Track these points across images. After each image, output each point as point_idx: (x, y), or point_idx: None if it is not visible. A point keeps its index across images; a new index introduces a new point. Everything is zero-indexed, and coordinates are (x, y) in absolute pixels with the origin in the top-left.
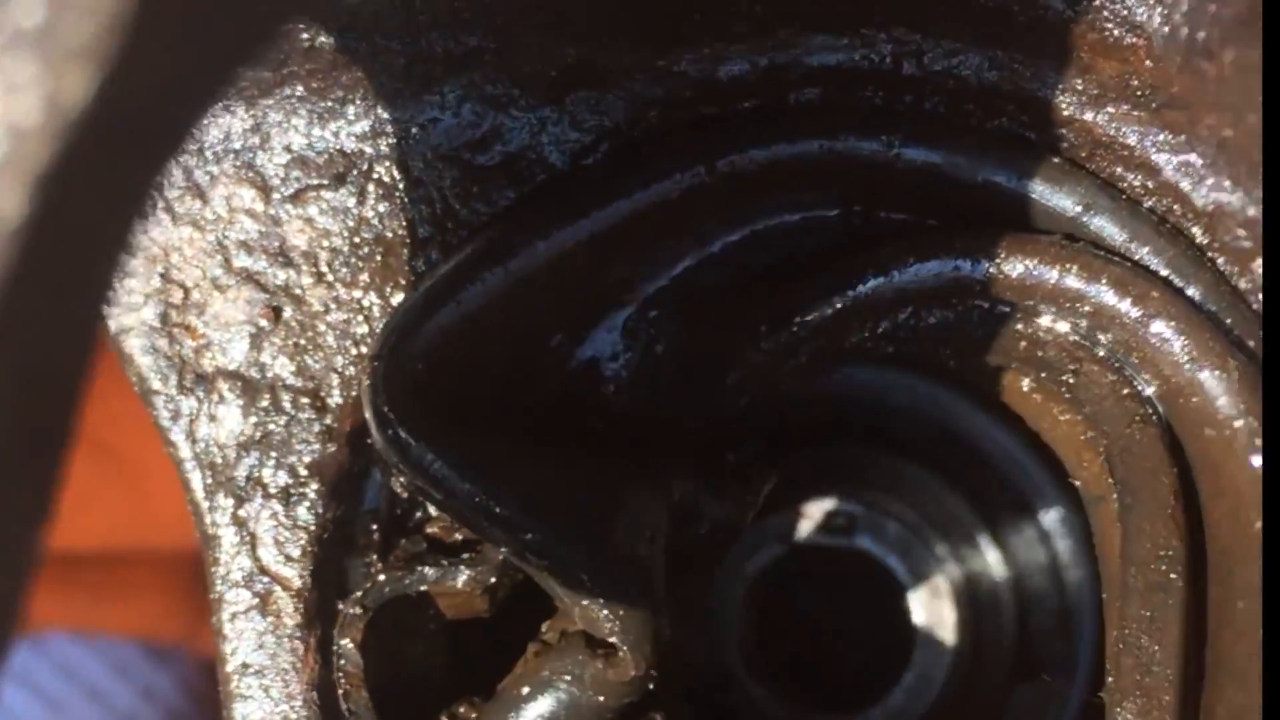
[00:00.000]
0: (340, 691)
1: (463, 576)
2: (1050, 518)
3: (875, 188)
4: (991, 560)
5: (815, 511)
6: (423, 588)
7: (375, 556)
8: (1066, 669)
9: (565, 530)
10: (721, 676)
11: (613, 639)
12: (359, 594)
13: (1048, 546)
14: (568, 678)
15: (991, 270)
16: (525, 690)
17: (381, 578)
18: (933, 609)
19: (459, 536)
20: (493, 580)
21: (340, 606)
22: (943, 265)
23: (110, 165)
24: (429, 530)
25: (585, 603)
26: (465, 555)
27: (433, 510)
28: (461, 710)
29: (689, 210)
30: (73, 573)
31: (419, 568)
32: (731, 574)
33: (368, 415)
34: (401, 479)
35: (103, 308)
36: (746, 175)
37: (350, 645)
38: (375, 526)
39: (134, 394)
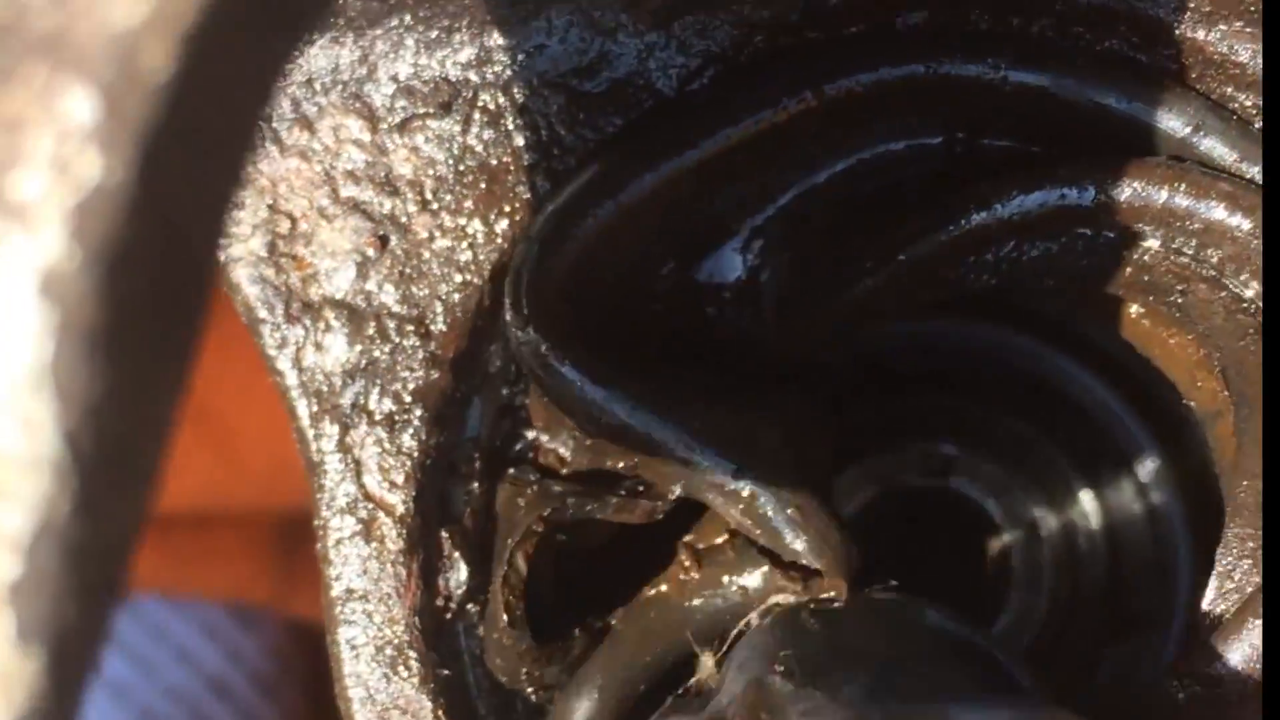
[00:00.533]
0: (503, 600)
1: (640, 508)
2: (1147, 470)
3: (981, 112)
4: (1088, 509)
5: (910, 453)
6: (599, 515)
7: (477, 484)
8: (1161, 624)
9: (753, 460)
10: None
11: (814, 563)
12: (546, 512)
13: (1144, 500)
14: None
15: (1099, 196)
16: (697, 601)
17: (571, 500)
18: (1029, 552)
19: (571, 469)
20: (666, 510)
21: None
22: (1048, 195)
23: (255, 26)
24: (540, 461)
25: (781, 531)
26: (639, 487)
27: (542, 438)
28: (602, 622)
29: (796, 137)
30: (164, 535)
31: (606, 496)
32: None
33: (533, 367)
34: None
35: (239, 174)
36: (853, 100)
37: (522, 560)
38: (477, 454)
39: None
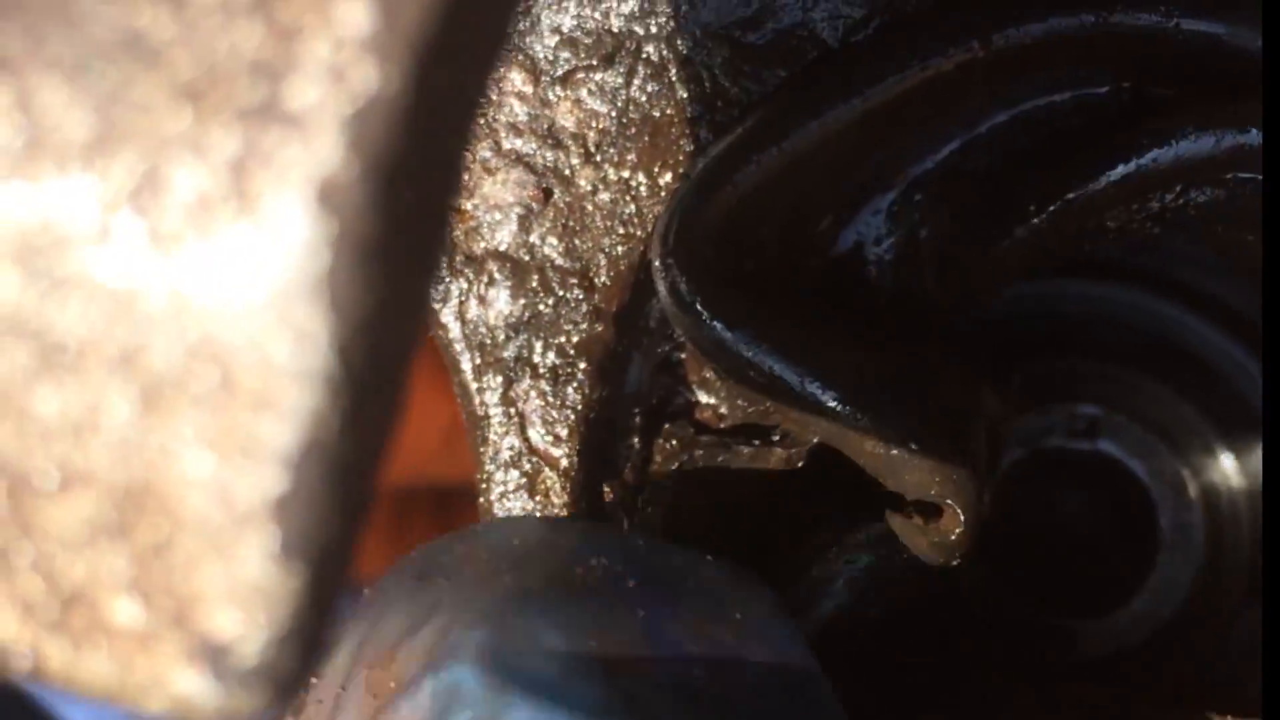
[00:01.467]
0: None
1: (774, 455)
2: None
3: (1150, 62)
4: (1229, 469)
5: (1055, 414)
6: (732, 465)
7: (637, 439)
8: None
9: (884, 405)
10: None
11: (940, 498)
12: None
13: None
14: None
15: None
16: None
17: (700, 450)
18: (1178, 513)
19: (727, 424)
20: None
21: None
22: (1222, 135)
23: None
24: (697, 416)
25: (911, 464)
26: (775, 437)
27: (699, 394)
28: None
29: (960, 87)
30: (441, 509)
31: (739, 445)
32: None
33: (669, 304)
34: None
35: (488, 84)
36: (1020, 50)
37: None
38: (637, 409)
39: None
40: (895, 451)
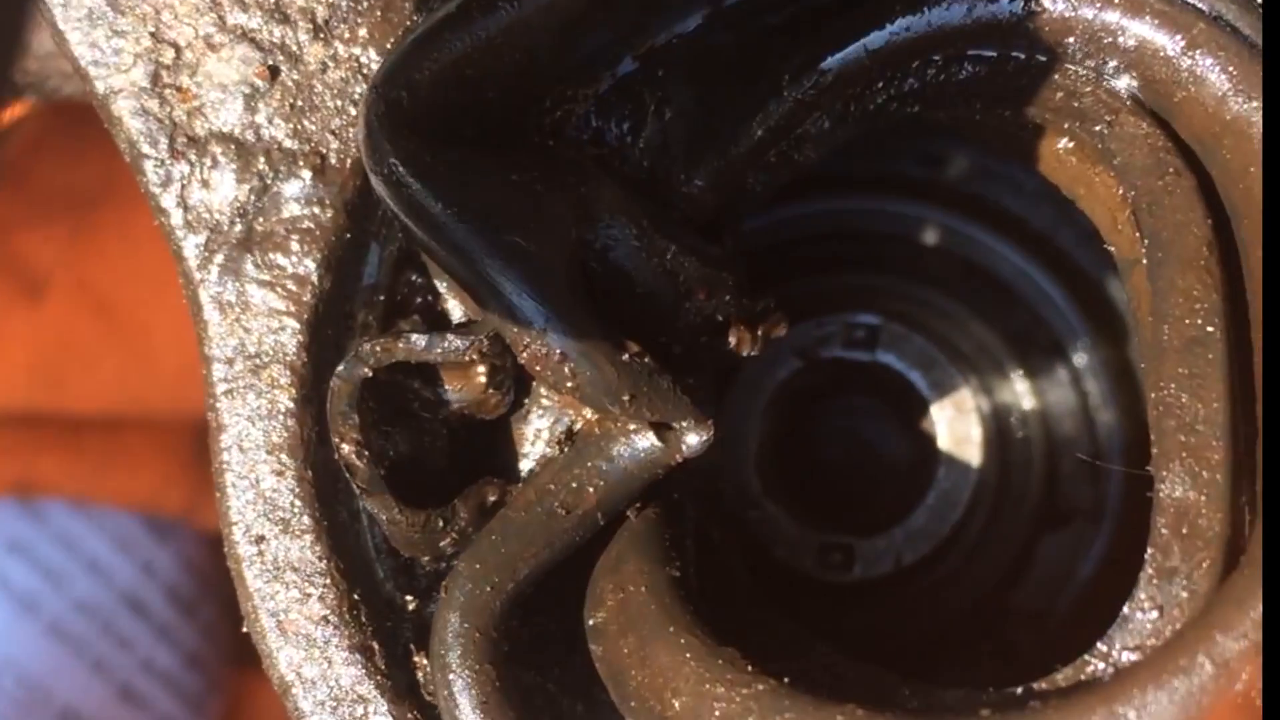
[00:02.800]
0: (345, 463)
1: (455, 343)
2: (1082, 359)
3: None
4: (1020, 391)
5: (835, 325)
6: (415, 358)
7: (374, 335)
8: (1094, 516)
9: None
10: (742, 496)
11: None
12: (346, 358)
13: (1079, 388)
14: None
15: (1030, 7)
16: (570, 457)
17: (367, 345)
18: (957, 426)
19: (462, 316)
20: (488, 350)
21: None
22: (976, 2)
23: None
24: (440, 308)
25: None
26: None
27: (440, 286)
28: (485, 491)
29: None
30: (73, 438)
31: (408, 334)
32: (748, 389)
33: (362, 145)
34: (400, 230)
35: None
36: None
37: (347, 410)
38: (376, 303)
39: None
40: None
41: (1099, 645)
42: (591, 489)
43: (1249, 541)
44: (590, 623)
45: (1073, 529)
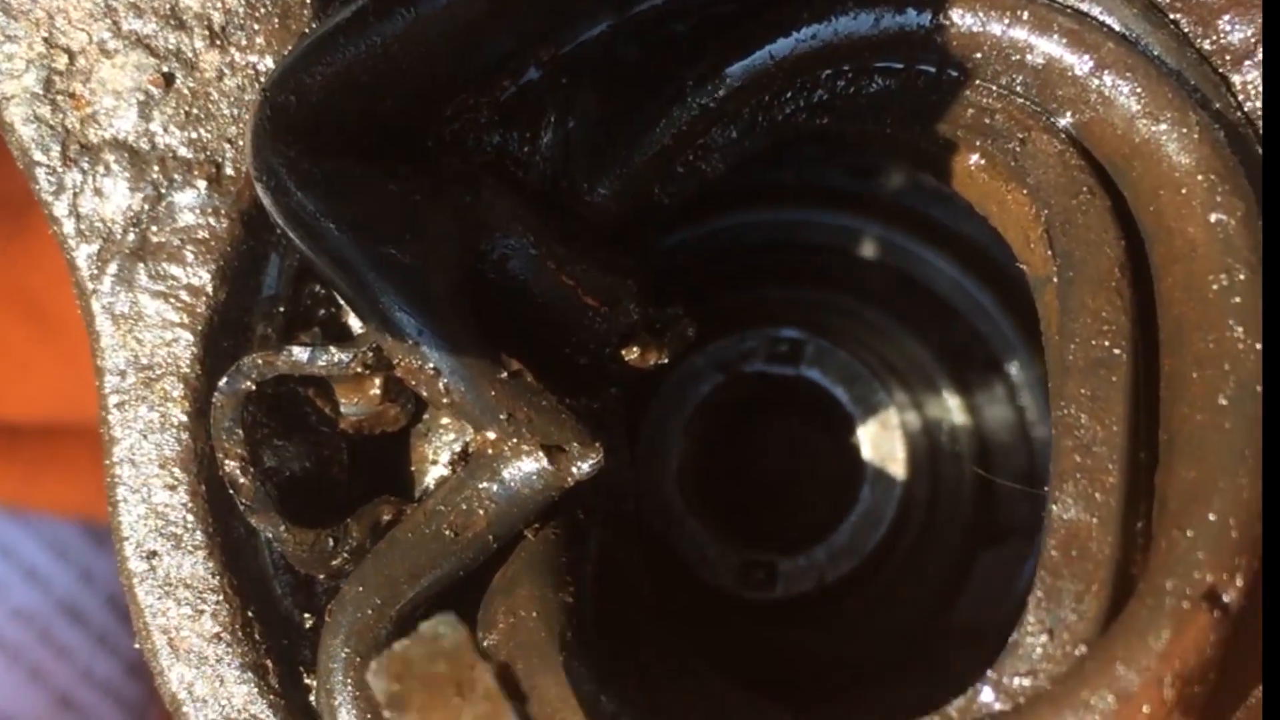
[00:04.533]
0: (229, 480)
1: (337, 356)
2: (1019, 374)
3: None
4: (952, 406)
5: (758, 339)
6: (298, 371)
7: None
8: (1031, 533)
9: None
10: (662, 512)
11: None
12: (229, 372)
13: (1015, 404)
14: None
15: (937, 20)
16: (461, 478)
17: (249, 358)
18: (882, 443)
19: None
20: (372, 362)
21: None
22: (884, 12)
23: None
24: (343, 320)
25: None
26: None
27: (340, 300)
28: (379, 509)
29: None
30: (9, 444)
31: (290, 347)
32: (670, 404)
33: (247, 150)
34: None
35: None
36: None
37: (230, 425)
38: (278, 312)
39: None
40: (471, 399)
41: (990, 673)
42: (482, 511)
43: (1148, 569)
44: (484, 644)
45: (1010, 546)
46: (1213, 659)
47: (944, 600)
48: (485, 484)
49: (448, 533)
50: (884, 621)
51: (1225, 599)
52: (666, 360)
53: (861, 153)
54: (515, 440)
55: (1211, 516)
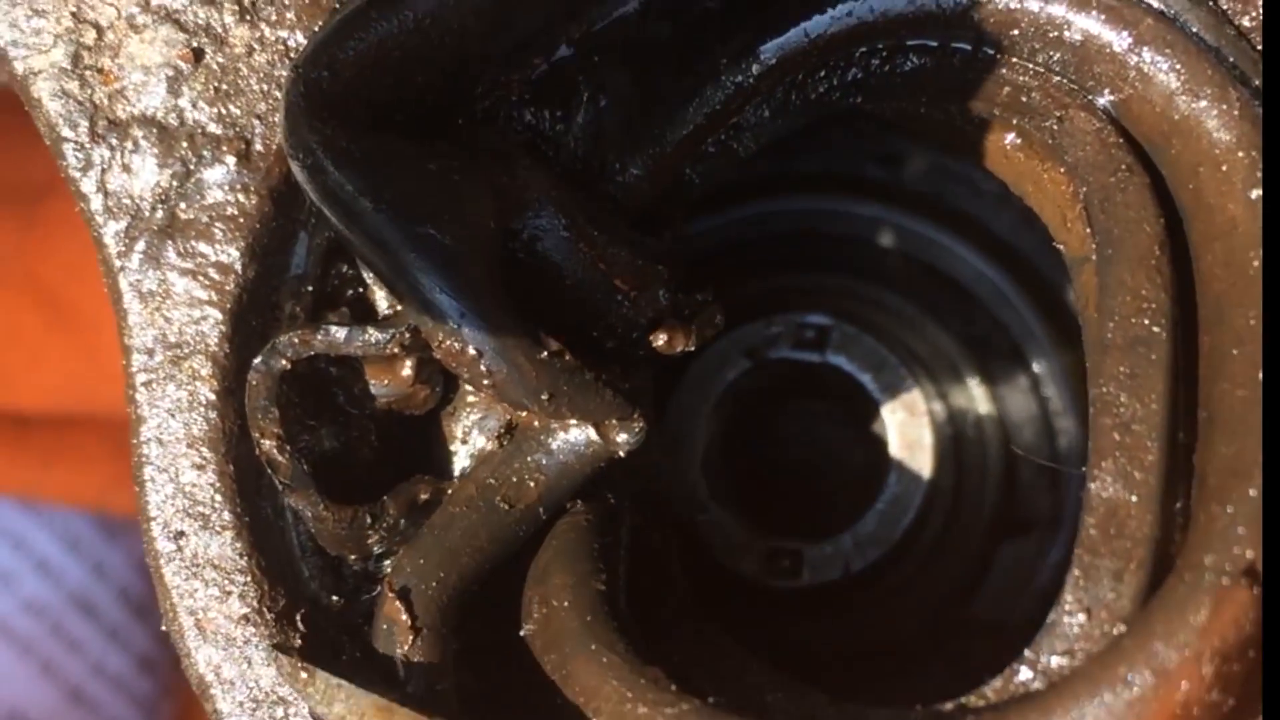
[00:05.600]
0: (266, 459)
1: (375, 336)
2: (1042, 365)
3: None
4: (977, 396)
5: (784, 325)
6: (335, 351)
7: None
8: (1053, 524)
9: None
10: (688, 499)
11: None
12: (264, 350)
13: (1038, 395)
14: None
15: None
16: (510, 452)
17: (285, 337)
18: (909, 430)
19: (390, 309)
20: (409, 343)
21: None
22: None
23: None
24: (371, 300)
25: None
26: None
27: (367, 277)
28: (416, 488)
29: None
30: (22, 434)
31: (327, 326)
32: (696, 390)
33: (282, 128)
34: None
35: None
36: None
37: (266, 404)
38: (303, 294)
39: (87, 241)
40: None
41: (1027, 652)
42: (533, 483)
43: (1187, 547)
44: (522, 634)
45: (1032, 538)
46: (1252, 636)
47: (965, 591)
48: (534, 457)
49: (502, 505)
50: (906, 612)
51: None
52: (694, 347)
53: (889, 140)
54: (557, 419)
55: (1252, 492)
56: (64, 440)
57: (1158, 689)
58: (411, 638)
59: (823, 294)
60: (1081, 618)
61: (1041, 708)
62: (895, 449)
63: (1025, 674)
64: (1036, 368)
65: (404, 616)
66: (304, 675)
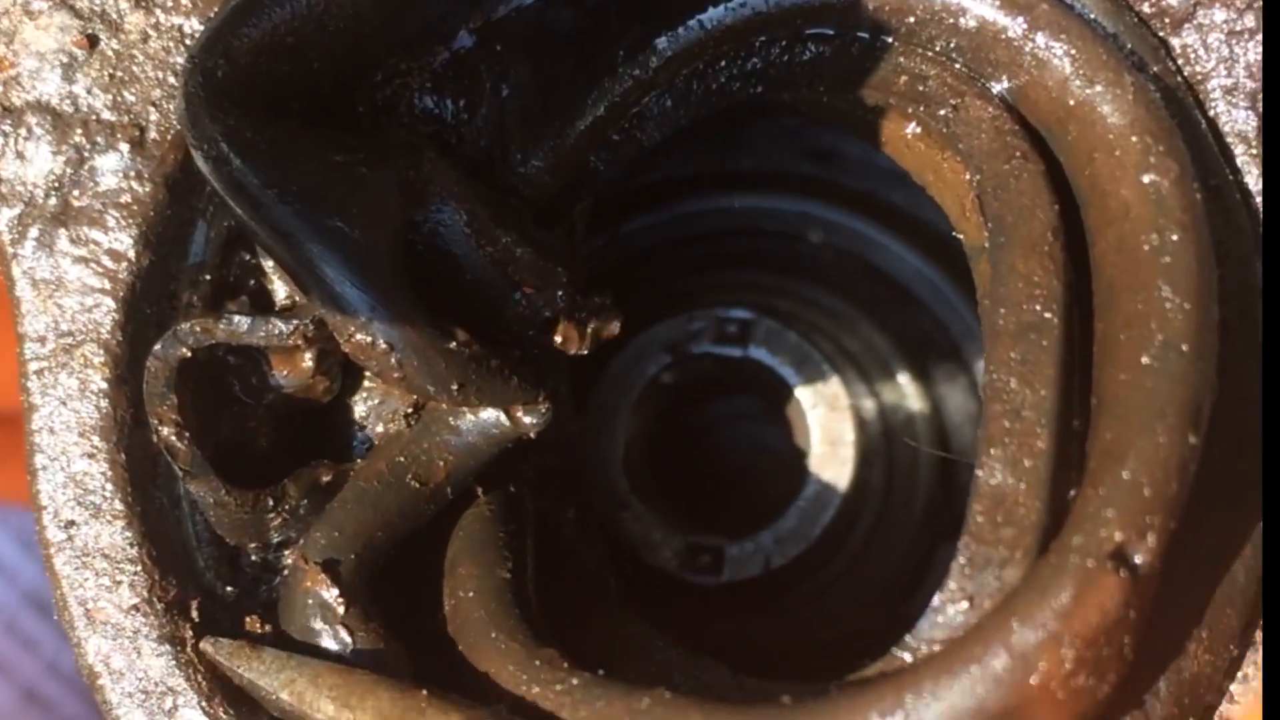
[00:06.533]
0: (165, 446)
1: (277, 327)
2: (981, 364)
3: None
4: (910, 393)
5: (706, 320)
6: (237, 341)
7: (198, 314)
8: None
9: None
10: (609, 496)
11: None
12: (164, 338)
13: (977, 395)
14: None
15: None
16: (418, 431)
17: (186, 324)
18: (831, 426)
19: (288, 300)
20: (313, 334)
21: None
22: None
23: None
24: (271, 290)
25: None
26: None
27: (267, 265)
28: (318, 471)
29: None
30: None
31: (230, 315)
32: (618, 385)
33: (183, 118)
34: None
35: None
36: None
37: (165, 391)
38: (205, 280)
39: None
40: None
41: (908, 638)
42: (442, 462)
43: (1062, 529)
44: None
45: None
46: (1122, 620)
47: (902, 590)
48: (443, 436)
49: (412, 482)
50: (838, 609)
51: (1136, 559)
52: (588, 350)
53: (822, 135)
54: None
55: (1125, 475)
56: (12, 438)
57: (1013, 670)
58: (344, 605)
59: (750, 289)
60: (964, 604)
61: (897, 684)
62: (816, 445)
63: (905, 659)
64: (975, 366)
65: (331, 588)
66: (247, 652)
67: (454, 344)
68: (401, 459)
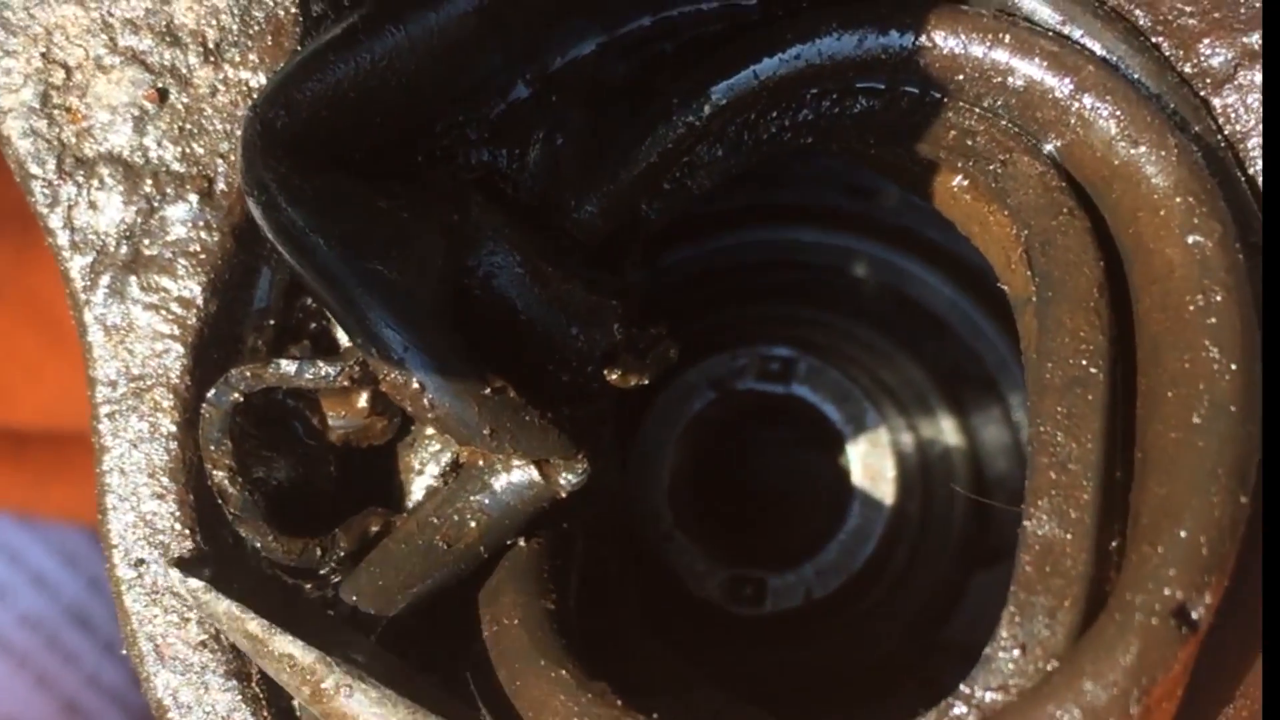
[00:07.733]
0: (217, 490)
1: (324, 370)
2: (1016, 396)
3: None
4: (946, 427)
5: (750, 357)
6: (286, 384)
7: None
8: None
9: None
10: (653, 527)
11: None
12: (217, 384)
13: (1010, 425)
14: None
15: (919, 41)
16: (453, 489)
17: (237, 370)
18: (872, 461)
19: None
20: (359, 376)
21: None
22: (868, 34)
23: None
24: (334, 334)
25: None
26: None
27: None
28: (368, 520)
29: None
30: (19, 451)
31: (278, 360)
32: (663, 420)
33: (239, 165)
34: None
35: None
36: None
37: (219, 436)
38: (265, 329)
39: None
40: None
41: (962, 687)
42: (474, 523)
43: (1119, 585)
44: (472, 650)
45: (1004, 568)
46: (1180, 676)
47: (936, 619)
48: (477, 496)
49: (440, 544)
50: (874, 638)
51: (1194, 615)
52: (647, 381)
53: (862, 172)
54: (500, 455)
55: (1182, 533)
56: (61, 457)
57: None
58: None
59: (791, 324)
60: (1016, 653)
61: None
62: (858, 479)
63: (959, 709)
64: (1009, 398)
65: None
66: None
67: (489, 389)
68: (433, 519)
